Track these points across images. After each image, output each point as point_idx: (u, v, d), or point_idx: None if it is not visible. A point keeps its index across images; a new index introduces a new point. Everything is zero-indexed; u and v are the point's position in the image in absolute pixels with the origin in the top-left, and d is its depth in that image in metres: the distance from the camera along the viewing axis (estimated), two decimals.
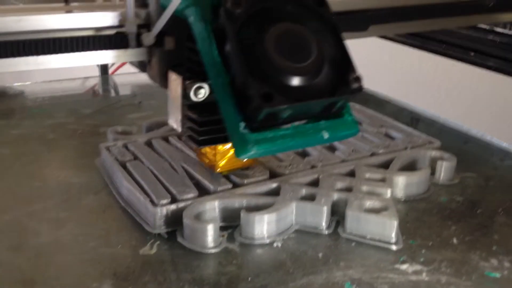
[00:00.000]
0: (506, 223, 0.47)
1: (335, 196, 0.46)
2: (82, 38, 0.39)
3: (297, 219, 0.45)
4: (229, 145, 0.46)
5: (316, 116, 0.37)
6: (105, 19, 0.40)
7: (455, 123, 0.67)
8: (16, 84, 0.79)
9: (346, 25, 0.39)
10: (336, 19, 0.37)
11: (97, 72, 0.88)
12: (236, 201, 0.45)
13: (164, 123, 0.59)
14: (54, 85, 0.82)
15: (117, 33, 0.40)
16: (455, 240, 0.44)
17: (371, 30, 0.50)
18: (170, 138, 0.56)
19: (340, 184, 0.48)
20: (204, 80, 0.39)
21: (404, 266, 0.41)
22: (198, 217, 0.43)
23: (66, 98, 0.77)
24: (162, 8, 0.39)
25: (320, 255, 0.42)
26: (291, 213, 0.45)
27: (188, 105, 0.40)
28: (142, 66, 0.43)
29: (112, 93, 0.83)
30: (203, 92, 0.39)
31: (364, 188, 0.48)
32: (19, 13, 0.38)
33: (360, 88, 0.35)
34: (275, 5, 0.36)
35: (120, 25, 0.40)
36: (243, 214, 0.43)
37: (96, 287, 0.38)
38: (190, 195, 0.45)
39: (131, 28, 0.40)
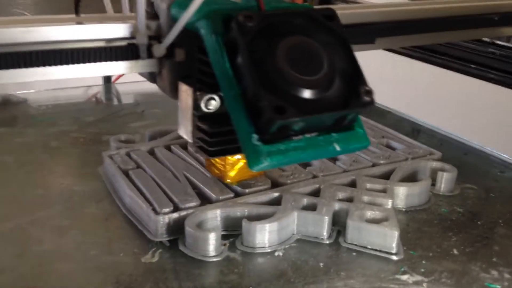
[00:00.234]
0: (507, 235, 0.47)
1: (336, 206, 0.47)
2: (94, 49, 0.39)
3: (298, 228, 0.45)
4: (238, 155, 0.46)
5: (327, 129, 0.37)
6: (117, 30, 0.40)
7: (456, 135, 0.67)
8: (19, 92, 0.80)
9: (353, 37, 0.40)
10: (346, 33, 0.38)
11: (100, 81, 0.88)
12: (238, 210, 0.45)
13: (167, 132, 0.60)
14: (57, 93, 0.82)
15: (128, 44, 0.40)
16: (455, 251, 0.45)
17: (378, 43, 0.50)
18: (173, 147, 0.56)
19: (341, 194, 0.48)
20: (214, 91, 0.39)
21: (404, 277, 0.41)
22: (200, 225, 0.44)
23: (69, 106, 0.78)
24: (173, 20, 0.40)
25: (321, 264, 0.42)
26: (293, 222, 0.45)
27: (198, 116, 0.40)
28: (151, 77, 0.44)
29: (115, 102, 0.83)
30: (214, 103, 0.39)
31: (365, 198, 0.48)
32: (31, 24, 0.38)
33: (372, 101, 0.36)
34: (286, 19, 0.37)
35: (132, 37, 0.41)
36: (244, 223, 0.44)
37: None
38: (192, 204, 0.46)
39: (142, 40, 0.40)
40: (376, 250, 0.44)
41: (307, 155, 0.36)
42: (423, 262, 0.43)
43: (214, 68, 0.36)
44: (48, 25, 0.39)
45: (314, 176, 0.51)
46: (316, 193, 0.49)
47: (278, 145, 0.35)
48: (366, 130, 0.62)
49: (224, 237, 0.44)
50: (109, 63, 0.40)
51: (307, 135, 0.36)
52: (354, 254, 0.44)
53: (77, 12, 0.45)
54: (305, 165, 0.53)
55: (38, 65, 0.38)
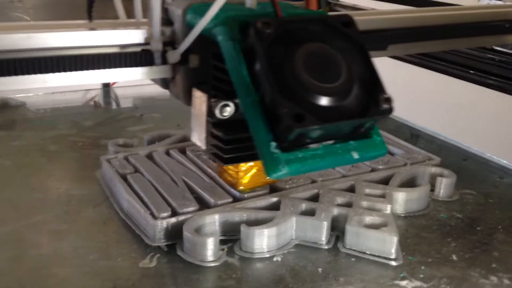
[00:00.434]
0: (506, 241, 0.47)
1: (335, 211, 0.46)
2: (108, 55, 0.39)
3: (297, 233, 0.45)
4: (251, 162, 0.46)
5: (344, 137, 0.37)
6: (131, 36, 0.40)
7: (455, 140, 0.67)
8: (18, 95, 0.80)
9: (366, 44, 0.39)
10: (364, 40, 0.37)
11: (98, 84, 0.88)
12: (236, 215, 0.45)
13: (166, 136, 0.60)
14: (56, 97, 0.82)
15: (143, 50, 0.40)
16: (454, 257, 0.44)
17: (390, 50, 0.50)
18: (171, 151, 0.56)
19: (340, 200, 0.48)
20: (229, 98, 0.39)
21: (403, 282, 0.41)
22: (198, 230, 0.43)
23: (68, 110, 0.78)
24: (187, 26, 0.40)
25: (320, 270, 0.42)
26: (291, 227, 0.45)
27: (213, 122, 0.40)
28: (164, 83, 0.44)
29: (114, 106, 0.83)
30: (229, 110, 0.39)
31: (364, 203, 0.48)
32: (45, 30, 0.38)
33: (391, 109, 0.35)
34: (303, 25, 0.37)
35: (146, 43, 0.40)
36: (243, 228, 0.43)
37: None
38: (191, 209, 0.45)
39: (157, 46, 0.40)
40: (375, 255, 0.44)
41: (326, 163, 0.36)
42: (422, 267, 0.43)
43: (231, 75, 0.36)
44: (63, 30, 0.38)
45: (313, 181, 0.51)
46: (315, 198, 0.48)
47: (296, 153, 0.35)
48: None
49: (222, 242, 0.44)
50: (122, 69, 0.40)
51: (325, 143, 0.36)
52: (353, 259, 0.43)
53: (90, 17, 0.45)
54: None
55: (52, 71, 0.38)
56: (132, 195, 0.47)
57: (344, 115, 0.34)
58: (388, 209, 0.48)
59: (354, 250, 0.44)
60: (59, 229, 0.46)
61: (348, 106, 0.35)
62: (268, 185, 0.49)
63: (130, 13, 0.47)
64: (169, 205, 0.46)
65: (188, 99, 0.42)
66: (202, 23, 0.37)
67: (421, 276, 0.42)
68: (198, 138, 0.42)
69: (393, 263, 0.43)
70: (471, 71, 0.76)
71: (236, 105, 0.39)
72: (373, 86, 0.36)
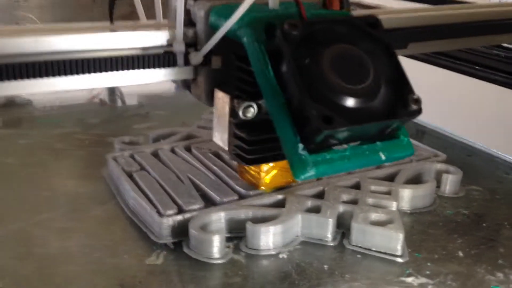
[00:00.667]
0: None
1: (341, 208, 0.46)
2: (131, 57, 0.39)
3: (302, 230, 0.45)
4: (272, 163, 0.46)
5: (372, 138, 0.36)
6: (154, 38, 0.40)
7: (461, 137, 0.67)
8: (24, 93, 0.80)
9: None
10: (390, 40, 0.37)
11: None
12: (242, 212, 0.45)
13: (171, 134, 0.60)
14: (62, 95, 0.82)
15: (165, 52, 0.40)
16: (461, 253, 0.44)
17: (410, 48, 0.50)
18: (177, 149, 0.56)
19: (345, 197, 0.48)
20: (252, 99, 0.39)
21: (410, 279, 0.41)
22: (204, 228, 0.44)
23: (74, 108, 0.78)
24: (210, 28, 0.40)
25: (326, 267, 0.42)
26: (297, 224, 0.45)
27: (236, 123, 0.40)
28: (185, 84, 0.44)
29: (119, 103, 0.83)
30: (252, 111, 0.39)
31: (370, 200, 0.48)
32: (66, 32, 0.38)
33: (420, 110, 0.35)
34: (330, 26, 0.37)
35: (169, 44, 0.40)
36: (249, 226, 0.43)
37: None
38: (196, 206, 0.45)
39: (180, 48, 0.40)
40: (380, 252, 0.44)
41: (353, 165, 0.36)
42: (428, 264, 0.43)
43: (257, 77, 0.36)
44: (85, 32, 0.39)
45: (318, 178, 0.51)
46: (320, 195, 0.48)
47: (324, 155, 0.35)
48: None
49: (228, 239, 0.44)
50: (145, 70, 0.40)
51: (352, 144, 0.36)
52: (358, 256, 0.44)
53: (111, 19, 0.45)
54: None
55: (76, 73, 0.38)
56: (138, 193, 0.47)
57: (372, 117, 0.34)
58: (394, 206, 0.47)
59: (360, 247, 0.44)
60: (65, 227, 0.46)
61: (376, 107, 0.34)
62: None
63: (134, 14, 0.47)
64: (175, 202, 0.46)
65: (210, 100, 0.42)
66: (228, 25, 0.37)
67: (427, 272, 0.42)
68: (220, 138, 0.42)
69: (399, 260, 0.43)
70: (477, 67, 0.76)
71: (259, 106, 0.39)
72: (401, 86, 0.36)
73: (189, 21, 0.41)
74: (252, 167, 0.47)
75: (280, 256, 0.43)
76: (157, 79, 0.41)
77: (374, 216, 0.45)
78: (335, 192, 0.48)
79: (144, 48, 0.40)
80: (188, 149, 0.56)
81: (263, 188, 0.47)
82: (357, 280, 0.41)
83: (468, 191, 0.54)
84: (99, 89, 0.85)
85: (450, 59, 0.79)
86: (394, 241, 0.43)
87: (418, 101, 0.35)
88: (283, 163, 0.45)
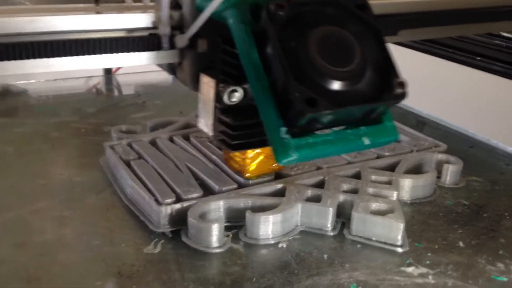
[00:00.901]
0: None
1: (341, 197, 0.46)
2: (115, 39, 0.38)
3: (302, 220, 0.45)
4: (258, 150, 0.45)
5: (356, 122, 0.36)
6: (138, 20, 0.40)
7: (461, 127, 0.67)
8: (20, 82, 0.79)
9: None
10: (378, 23, 0.37)
11: (101, 71, 0.87)
12: (242, 201, 0.45)
13: (169, 123, 0.59)
14: (58, 84, 0.81)
15: (150, 35, 0.40)
16: (461, 244, 0.44)
17: (400, 35, 0.49)
18: (175, 138, 0.56)
19: (345, 186, 0.48)
20: (238, 83, 0.38)
21: (410, 269, 0.41)
22: (203, 216, 0.43)
23: (70, 96, 0.77)
24: (196, 10, 0.39)
25: (326, 256, 0.42)
26: (297, 214, 0.45)
27: (221, 108, 0.40)
28: (170, 68, 0.43)
29: (116, 93, 0.83)
30: (237, 95, 0.38)
31: (370, 190, 0.47)
32: (50, 13, 0.37)
33: (404, 94, 0.35)
34: (317, 8, 0.36)
35: (153, 27, 0.40)
36: (248, 215, 0.43)
37: (100, 285, 0.38)
38: (195, 195, 0.45)
39: (165, 30, 0.39)
40: (381, 242, 0.43)
41: (336, 149, 0.36)
42: (429, 254, 0.42)
43: (241, 59, 0.35)
44: (68, 14, 0.38)
45: (318, 168, 0.50)
46: (320, 185, 0.48)
47: (307, 139, 0.34)
48: None
49: (227, 228, 0.44)
50: (129, 54, 0.39)
51: (336, 129, 0.35)
52: (358, 246, 0.43)
53: (96, 1, 0.44)
54: None
55: (57, 55, 0.37)
56: (136, 181, 0.47)
57: (358, 100, 0.34)
58: (394, 195, 0.47)
59: (360, 236, 0.44)
60: (63, 215, 0.46)
61: (361, 91, 0.34)
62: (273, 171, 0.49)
63: None
64: (174, 191, 0.45)
65: (195, 84, 0.41)
66: (213, 6, 0.37)
67: (428, 262, 0.41)
68: (205, 124, 0.41)
69: (399, 249, 0.43)
70: (478, 58, 0.76)
71: (245, 90, 0.38)
72: (387, 70, 0.35)
73: (176, 4, 0.41)
74: (237, 154, 0.47)
75: (280, 245, 0.43)
76: (142, 62, 0.40)
77: (375, 205, 0.45)
78: (336, 181, 0.48)
79: (128, 31, 0.39)
80: (186, 138, 0.56)
81: (249, 175, 0.47)
82: (357, 270, 0.40)
83: (469, 182, 0.54)
84: (97, 78, 0.85)
85: (450, 50, 0.78)
86: (394, 231, 0.43)
87: (403, 85, 0.35)
88: (269, 150, 0.45)
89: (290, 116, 0.33)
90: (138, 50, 0.39)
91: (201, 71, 0.41)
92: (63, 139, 0.61)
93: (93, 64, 0.38)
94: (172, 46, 0.40)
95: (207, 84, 0.40)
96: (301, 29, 0.34)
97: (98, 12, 0.39)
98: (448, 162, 0.54)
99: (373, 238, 0.44)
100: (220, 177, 0.48)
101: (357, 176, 0.50)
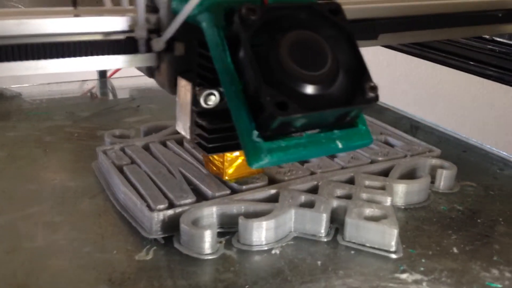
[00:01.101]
0: (507, 233, 0.47)
1: (335, 203, 0.46)
2: (92, 42, 0.38)
3: (296, 226, 0.45)
4: (237, 152, 0.45)
5: (329, 126, 0.36)
6: (115, 23, 0.39)
7: (455, 132, 0.67)
8: (13, 86, 0.79)
9: (355, 33, 0.38)
10: (351, 28, 0.37)
11: (95, 75, 0.87)
12: (234, 207, 0.44)
13: (163, 127, 0.59)
14: (52, 88, 0.81)
15: (127, 38, 0.39)
16: (455, 250, 0.44)
17: (381, 39, 0.49)
18: (168, 143, 0.55)
19: (339, 191, 0.48)
20: (214, 86, 0.38)
21: (404, 275, 0.40)
22: (196, 222, 0.43)
23: (64, 100, 0.77)
24: (173, 13, 0.39)
25: (319, 263, 0.42)
26: (290, 220, 0.44)
27: (197, 112, 0.40)
28: (149, 71, 0.43)
29: (110, 96, 0.82)
30: (214, 99, 0.38)
31: (364, 195, 0.47)
32: (27, 16, 0.37)
33: (376, 98, 0.35)
34: (289, 12, 0.36)
35: (130, 30, 0.40)
36: (241, 220, 0.43)
37: None
38: (188, 201, 0.45)
39: (141, 33, 0.39)
40: (374, 248, 0.43)
41: (309, 153, 0.36)
42: (423, 260, 0.42)
43: (215, 63, 0.35)
44: (45, 17, 0.37)
45: (312, 173, 0.50)
46: (314, 190, 0.48)
47: (279, 142, 0.34)
48: None
49: (220, 234, 0.44)
50: (106, 57, 0.39)
51: (309, 132, 0.35)
52: (352, 252, 0.43)
53: (74, 4, 0.44)
54: (303, 161, 0.52)
55: (33, 58, 0.37)
56: (129, 187, 0.47)
57: (329, 104, 0.34)
58: (388, 201, 0.47)
59: (354, 242, 0.44)
60: (54, 221, 0.45)
61: (333, 95, 0.34)
62: (266, 177, 0.48)
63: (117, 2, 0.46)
64: (166, 197, 0.45)
65: (173, 88, 0.41)
66: (187, 10, 0.36)
67: (422, 269, 0.41)
68: (183, 127, 0.42)
69: (393, 256, 0.42)
70: (471, 62, 0.76)
71: (221, 94, 0.38)
72: (359, 74, 0.35)
73: (152, 7, 0.41)
74: (216, 157, 0.46)
75: (273, 251, 0.43)
76: (119, 65, 0.40)
77: (368, 211, 0.45)
78: (329, 186, 0.48)
79: (105, 34, 0.39)
80: (180, 143, 0.55)
81: (227, 178, 0.47)
82: (351, 277, 0.40)
83: (463, 187, 0.54)
84: (92, 82, 0.84)
85: (445, 55, 0.78)
86: (388, 237, 0.43)
87: (374, 89, 0.35)
88: None
89: (261, 119, 0.33)
90: (115, 53, 0.39)
91: (179, 75, 0.40)
92: (56, 144, 0.61)
93: (69, 68, 0.38)
94: (149, 49, 0.40)
95: (184, 87, 0.40)
96: (274, 33, 0.34)
97: (76, 15, 0.39)
98: (442, 167, 0.53)
99: (367, 244, 0.43)
100: (213, 182, 0.48)
101: (350, 181, 0.50)
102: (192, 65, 0.40)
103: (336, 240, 0.44)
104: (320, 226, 0.44)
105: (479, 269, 0.42)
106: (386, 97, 0.74)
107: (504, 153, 0.61)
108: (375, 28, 0.48)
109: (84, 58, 0.38)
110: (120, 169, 0.50)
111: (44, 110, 0.72)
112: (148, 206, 0.44)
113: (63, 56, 0.38)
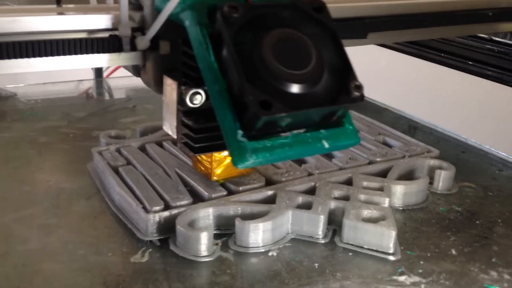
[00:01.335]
0: (506, 234, 0.46)
1: (332, 204, 0.45)
2: (75, 40, 0.38)
3: (293, 227, 0.44)
4: (225, 152, 0.45)
5: (316, 125, 0.36)
6: (99, 21, 0.39)
7: (453, 132, 0.66)
8: (8, 86, 0.78)
9: (345, 32, 0.38)
10: (335, 26, 0.36)
11: (91, 75, 0.87)
12: (231, 209, 0.44)
13: (159, 128, 0.58)
14: (47, 88, 0.80)
15: (110, 36, 0.39)
16: (454, 251, 0.43)
17: (370, 38, 0.49)
18: (164, 143, 0.55)
19: (337, 193, 0.47)
20: (200, 86, 0.38)
21: (402, 278, 0.40)
22: (192, 224, 0.42)
23: (59, 101, 0.76)
24: (157, 11, 0.39)
25: (316, 265, 0.41)
26: (287, 221, 0.44)
27: (183, 111, 0.39)
28: (136, 70, 0.42)
29: (106, 97, 0.82)
30: (200, 98, 0.38)
31: (362, 197, 0.47)
32: (10, 14, 0.37)
33: (362, 97, 0.35)
34: (273, 10, 0.36)
35: (114, 28, 0.39)
36: (238, 222, 0.42)
37: None
38: (184, 202, 0.44)
39: (125, 32, 0.39)
40: (372, 250, 0.43)
41: (294, 152, 0.35)
42: (421, 262, 0.42)
43: (198, 61, 0.35)
44: (28, 15, 0.37)
45: (310, 174, 0.50)
46: (311, 191, 0.47)
47: (264, 142, 0.34)
48: (363, 127, 0.61)
49: (216, 236, 0.43)
50: (91, 55, 0.39)
51: (295, 132, 0.35)
52: (350, 254, 0.42)
53: (58, 2, 0.43)
54: (300, 162, 0.52)
55: (19, 57, 0.36)
56: (124, 188, 0.46)
57: (314, 103, 0.34)
58: (386, 202, 0.46)
59: (352, 244, 0.43)
60: (48, 223, 0.45)
61: (318, 94, 0.34)
62: (263, 178, 0.48)
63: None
64: (162, 198, 0.45)
65: (159, 87, 0.41)
66: (169, 8, 0.36)
67: (420, 271, 0.41)
68: (169, 127, 0.41)
69: (391, 257, 0.42)
70: (470, 62, 0.75)
71: (207, 93, 0.38)
72: (344, 73, 0.35)
73: (137, 5, 0.40)
74: (204, 157, 0.46)
75: (270, 253, 0.42)
76: (103, 64, 0.40)
77: (366, 212, 0.44)
78: (327, 188, 0.47)
79: (89, 32, 0.39)
80: (176, 144, 0.55)
81: (215, 178, 0.46)
82: (349, 279, 0.40)
83: (461, 188, 0.53)
84: (88, 82, 0.84)
85: (443, 54, 0.78)
86: (386, 239, 0.42)
87: (359, 88, 0.35)
88: None
89: (245, 119, 0.33)
90: (99, 52, 0.39)
91: (165, 73, 0.40)
92: (51, 145, 0.60)
93: (53, 66, 0.38)
94: (133, 48, 0.39)
95: (170, 86, 0.39)
96: (257, 32, 0.34)
97: (60, 13, 0.38)
98: (440, 168, 0.53)
99: (365, 246, 0.43)
100: (210, 183, 0.47)
101: (348, 182, 0.49)
102: (178, 63, 0.39)
103: (333, 242, 0.44)
104: (318, 227, 0.44)
105: (478, 271, 0.41)
106: (384, 97, 0.73)
107: (503, 153, 0.61)
108: (365, 27, 0.48)
109: (68, 56, 0.38)
110: (116, 170, 0.49)
111: (39, 110, 0.71)
112: (144, 207, 0.43)
113: (47, 54, 0.37)
